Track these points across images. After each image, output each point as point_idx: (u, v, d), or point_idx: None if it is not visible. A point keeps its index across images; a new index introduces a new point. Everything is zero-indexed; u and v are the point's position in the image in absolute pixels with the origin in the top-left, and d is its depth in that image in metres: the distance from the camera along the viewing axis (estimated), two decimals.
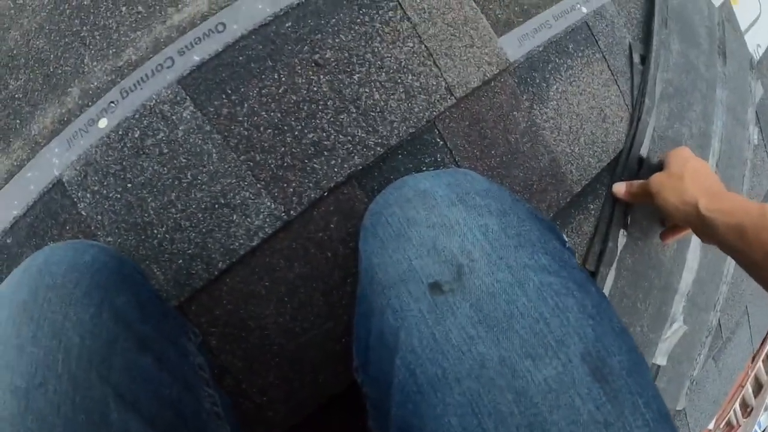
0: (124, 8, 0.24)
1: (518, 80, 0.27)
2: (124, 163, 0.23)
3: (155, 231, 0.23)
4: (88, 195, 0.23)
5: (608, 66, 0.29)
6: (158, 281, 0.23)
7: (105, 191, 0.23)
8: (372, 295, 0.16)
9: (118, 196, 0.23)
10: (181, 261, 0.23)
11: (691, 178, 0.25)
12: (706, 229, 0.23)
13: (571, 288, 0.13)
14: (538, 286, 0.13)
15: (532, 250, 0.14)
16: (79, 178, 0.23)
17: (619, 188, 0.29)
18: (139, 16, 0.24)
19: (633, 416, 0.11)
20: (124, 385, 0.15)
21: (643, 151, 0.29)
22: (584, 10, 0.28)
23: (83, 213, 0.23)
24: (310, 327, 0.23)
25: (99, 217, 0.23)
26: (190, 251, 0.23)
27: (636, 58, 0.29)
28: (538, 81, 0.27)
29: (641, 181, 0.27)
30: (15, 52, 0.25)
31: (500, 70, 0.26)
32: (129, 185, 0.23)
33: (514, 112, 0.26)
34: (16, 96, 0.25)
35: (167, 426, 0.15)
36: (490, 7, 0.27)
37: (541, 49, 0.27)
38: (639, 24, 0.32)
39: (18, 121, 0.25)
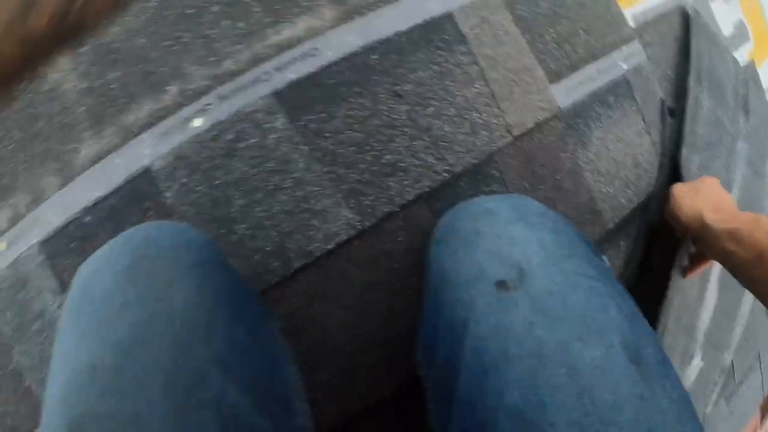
0: (226, 23, 0.27)
1: (565, 125, 0.30)
2: (215, 162, 0.25)
3: (237, 227, 0.25)
4: (176, 186, 0.25)
5: (642, 118, 0.33)
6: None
7: (193, 184, 0.25)
8: (443, 293, 0.18)
9: (205, 190, 0.25)
10: (258, 257, 0.25)
11: (705, 192, 0.28)
12: (706, 236, 0.26)
13: (612, 294, 0.16)
14: (586, 289, 0.16)
15: (580, 261, 0.17)
16: (169, 170, 0.25)
17: None
18: (240, 32, 0.27)
19: (662, 394, 0.14)
20: (223, 354, 0.16)
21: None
22: (624, 66, 0.33)
23: (168, 202, 0.25)
24: (368, 332, 0.25)
25: (184, 207, 0.25)
26: (268, 248, 0.25)
27: (667, 112, 0.33)
28: (582, 127, 0.31)
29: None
30: (116, 45, 0.27)
31: (551, 115, 0.29)
32: (217, 182, 0.25)
33: (561, 153, 0.30)
34: (112, 86, 0.27)
35: (259, 397, 0.16)
36: (545, 59, 0.31)
37: (585, 99, 0.31)
38: (671, 81, 0.37)
39: (113, 108, 0.27)
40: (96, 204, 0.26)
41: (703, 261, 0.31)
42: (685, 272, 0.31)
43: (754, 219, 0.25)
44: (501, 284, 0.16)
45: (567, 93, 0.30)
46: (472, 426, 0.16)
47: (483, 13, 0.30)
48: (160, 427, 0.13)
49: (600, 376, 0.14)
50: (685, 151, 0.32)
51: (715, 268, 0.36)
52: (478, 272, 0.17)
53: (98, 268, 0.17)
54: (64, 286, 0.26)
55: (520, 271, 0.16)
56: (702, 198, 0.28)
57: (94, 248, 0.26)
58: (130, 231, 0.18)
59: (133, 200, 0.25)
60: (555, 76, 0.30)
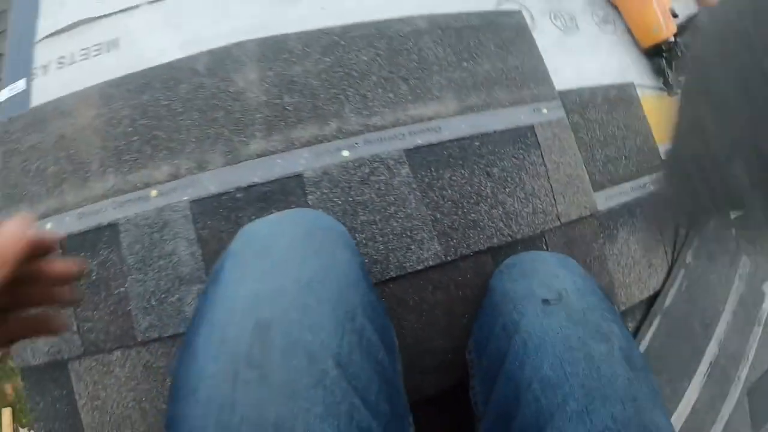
0: (380, 90, 0.38)
1: (600, 223, 0.40)
2: (351, 184, 0.34)
3: (357, 235, 0.33)
4: (318, 193, 0.34)
5: (659, 231, 0.43)
6: None
7: (331, 195, 0.34)
8: (501, 305, 0.27)
9: (340, 203, 0.34)
10: (367, 260, 0.33)
11: None
12: None
13: (615, 319, 0.25)
14: (600, 312, 0.25)
15: (597, 297, 0.26)
16: (316, 180, 0.34)
17: None
18: (389, 99, 0.38)
19: (644, 382, 0.22)
20: (365, 304, 0.21)
21: (669, 298, 0.41)
22: (651, 189, 0.44)
23: (310, 203, 0.34)
24: (429, 339, 0.33)
25: (319, 209, 0.33)
26: (375, 256, 0.33)
27: (680, 232, 0.43)
28: (612, 227, 0.41)
29: None
30: (296, 79, 0.38)
31: (591, 214, 0.39)
32: (350, 199, 0.34)
33: (593, 243, 0.39)
34: (287, 108, 0.37)
35: (383, 342, 0.22)
36: (594, 172, 0.41)
37: (618, 207, 0.41)
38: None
39: (283, 123, 0.36)
40: (250, 187, 0.35)
41: None
42: None
43: None
44: (546, 301, 0.25)
45: (606, 200, 0.41)
46: (510, 393, 0.23)
47: (555, 131, 0.41)
48: (329, 333, 0.18)
49: (605, 362, 0.22)
50: (680, 262, 0.42)
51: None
52: (530, 292, 0.26)
53: (278, 229, 0.22)
54: (200, 240, 0.34)
55: (559, 295, 0.25)
56: None
57: (238, 219, 0.34)
58: (301, 210, 0.25)
59: (282, 193, 0.34)
60: (598, 186, 0.41)
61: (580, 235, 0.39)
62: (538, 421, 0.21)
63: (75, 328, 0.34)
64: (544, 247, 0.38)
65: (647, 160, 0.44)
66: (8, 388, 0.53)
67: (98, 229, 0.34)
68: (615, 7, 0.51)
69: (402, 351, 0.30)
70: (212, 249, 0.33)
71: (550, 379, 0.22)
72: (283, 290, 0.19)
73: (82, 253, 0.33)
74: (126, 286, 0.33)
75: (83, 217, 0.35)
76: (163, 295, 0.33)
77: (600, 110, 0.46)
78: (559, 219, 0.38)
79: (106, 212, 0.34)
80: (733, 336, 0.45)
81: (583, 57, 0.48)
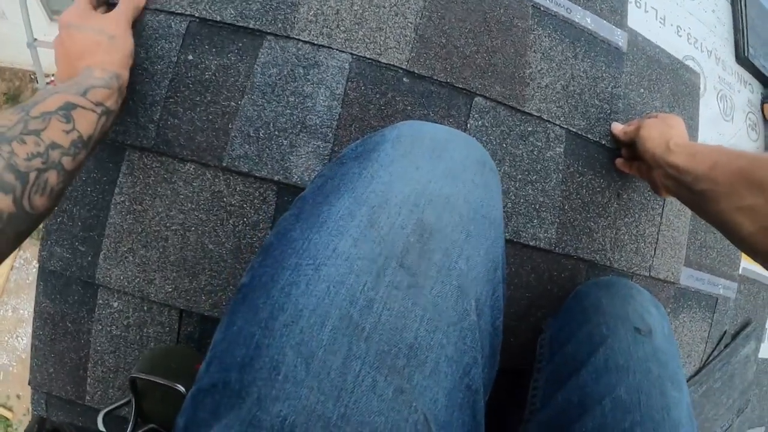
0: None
1: (674, 294, 0.43)
2: (511, 135, 0.34)
3: None
4: (480, 122, 0.34)
5: (709, 331, 0.48)
6: None
7: (489, 131, 0.34)
8: (593, 315, 0.29)
9: (494, 142, 0.34)
10: None
11: (677, 127, 0.33)
12: (667, 157, 0.30)
13: (686, 382, 0.27)
14: (678, 364, 0.27)
15: (678, 351, 0.29)
16: (484, 109, 0.34)
17: (616, 127, 0.38)
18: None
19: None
20: (502, 261, 0.21)
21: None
22: (720, 291, 0.48)
23: (467, 125, 0.34)
24: (504, 314, 0.33)
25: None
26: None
27: (727, 340, 0.48)
28: (679, 305, 0.44)
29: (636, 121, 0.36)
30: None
31: (672, 282, 0.43)
32: (504, 145, 0.34)
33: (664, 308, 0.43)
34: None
35: (501, 316, 0.21)
36: (691, 248, 0.45)
37: (692, 290, 0.45)
38: (742, 320, 0.53)
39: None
40: (419, 77, 0.33)
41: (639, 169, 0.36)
42: (617, 164, 0.37)
43: (714, 145, 0.29)
44: (637, 330, 0.27)
45: (686, 278, 0.44)
46: (577, 401, 0.24)
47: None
48: (479, 273, 0.18)
49: (675, 408, 0.24)
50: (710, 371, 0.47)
51: None
52: (624, 315, 0.28)
53: (453, 139, 0.21)
54: (345, 99, 0.31)
55: (650, 330, 0.27)
56: (672, 130, 0.33)
57: (392, 101, 0.34)
58: (474, 140, 0.23)
59: (446, 102, 0.34)
60: (688, 262, 0.45)
61: (656, 295, 0.41)
62: None
63: (157, 115, 0.30)
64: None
65: (729, 266, 0.48)
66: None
67: (237, 30, 0.31)
68: (766, 120, 0.57)
69: None
70: (351, 114, 0.32)
71: (624, 402, 0.23)
72: (452, 202, 0.17)
73: (206, 46, 0.30)
74: (240, 102, 0.31)
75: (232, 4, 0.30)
76: (276, 132, 0.31)
77: None
78: (649, 271, 0.41)
79: (260, 18, 0.30)
80: None
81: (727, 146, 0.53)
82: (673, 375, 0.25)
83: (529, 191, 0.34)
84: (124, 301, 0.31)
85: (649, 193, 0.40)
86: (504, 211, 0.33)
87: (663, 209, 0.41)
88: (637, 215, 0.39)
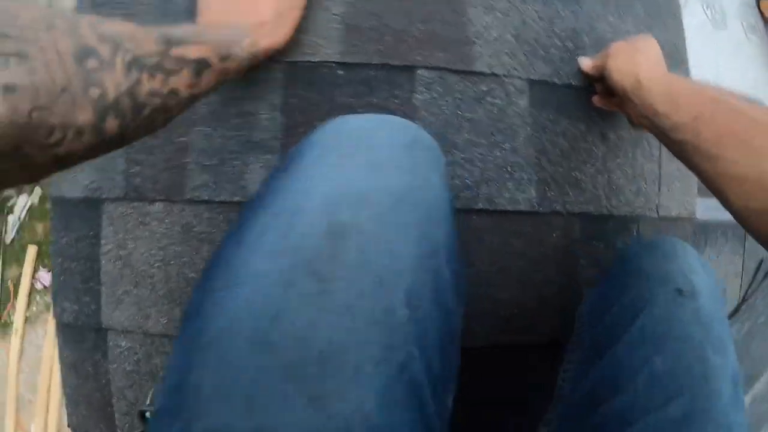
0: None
1: (692, 231, 0.39)
2: (464, 98, 0.33)
3: (456, 152, 0.32)
4: (427, 95, 0.32)
5: (742, 264, 0.43)
6: None
7: (440, 102, 0.32)
8: (636, 281, 0.26)
9: (447, 112, 0.32)
10: (458, 182, 0.32)
11: (644, 51, 0.29)
12: (639, 94, 0.27)
13: (732, 344, 0.24)
14: (724, 326, 0.24)
15: (725, 311, 0.26)
16: (430, 82, 0.33)
17: (584, 62, 0.34)
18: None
19: (741, 416, 0.22)
20: (445, 242, 0.19)
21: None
22: None
23: (416, 103, 0.32)
24: (496, 286, 0.32)
25: (425, 113, 0.32)
26: (467, 180, 0.32)
27: (766, 268, 0.42)
28: (701, 242, 0.40)
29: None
30: None
31: (687, 217, 0.39)
32: (458, 112, 0.33)
33: None
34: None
35: (456, 299, 0.20)
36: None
37: (714, 223, 0.41)
38: None
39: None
40: (354, 65, 0.32)
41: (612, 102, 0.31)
42: (594, 100, 0.33)
43: (696, 83, 0.24)
44: (679, 291, 0.24)
45: (705, 210, 0.40)
46: (611, 375, 0.23)
47: None
48: (407, 264, 0.16)
49: (715, 376, 0.22)
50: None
51: None
52: (666, 275, 0.25)
53: (378, 127, 0.20)
54: (285, 108, 0.31)
55: (693, 290, 0.25)
56: (641, 56, 0.28)
57: (333, 97, 0.33)
58: (405, 120, 0.21)
59: (388, 83, 0.32)
60: (703, 192, 0.40)
61: (672, 234, 0.38)
62: (632, 414, 0.21)
63: (122, 167, 0.32)
64: (635, 233, 0.37)
65: None
66: (39, 227, 0.53)
67: None
68: (766, 21, 0.50)
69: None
70: (295, 121, 0.31)
71: (659, 376, 0.21)
72: (369, 196, 0.17)
73: None
74: (189, 136, 0.32)
75: None
76: (227, 156, 0.32)
77: None
78: (657, 210, 0.37)
79: None
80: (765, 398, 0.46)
81: (723, 58, 0.46)
82: (716, 339, 0.23)
83: (497, 153, 0.32)
84: (130, 338, 0.33)
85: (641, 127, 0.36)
86: (472, 181, 0.32)
87: (659, 146, 0.37)
88: (630, 154, 0.36)
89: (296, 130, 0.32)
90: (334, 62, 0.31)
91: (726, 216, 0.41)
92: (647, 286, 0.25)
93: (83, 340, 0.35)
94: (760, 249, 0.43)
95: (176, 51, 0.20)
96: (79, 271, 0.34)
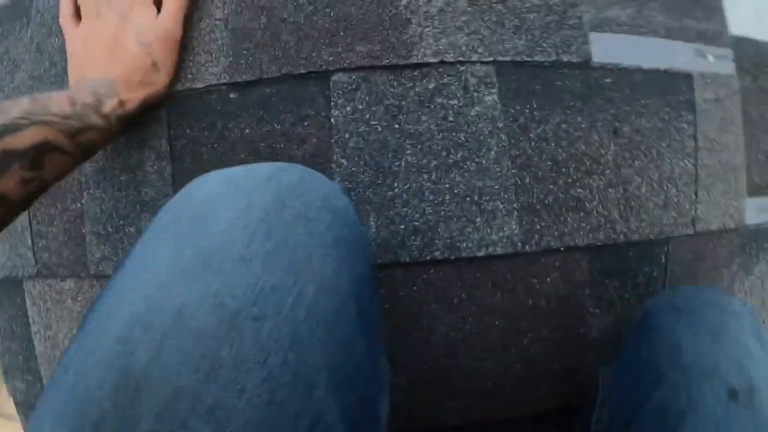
0: None
1: (740, 244, 0.26)
2: (403, 103, 0.19)
3: (396, 184, 0.20)
4: (348, 108, 0.20)
5: None
6: (368, 231, 0.18)
7: (368, 116, 0.20)
8: (669, 369, 0.16)
9: (379, 128, 0.20)
10: (402, 226, 0.20)
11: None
12: None
13: None
14: None
15: None
16: (349, 87, 0.19)
17: None
18: None
19: None
20: (337, 366, 0.10)
21: None
22: None
23: (332, 122, 0.19)
24: (469, 356, 0.20)
25: (346, 135, 0.20)
26: (417, 223, 0.20)
27: None
28: (752, 253, 0.26)
29: None
30: None
31: (734, 227, 0.24)
32: (396, 126, 0.20)
33: (724, 269, 0.25)
34: None
35: (353, 424, 0.11)
36: (753, 168, 0.26)
37: (767, 227, 0.24)
38: None
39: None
40: (248, 84, 0.19)
41: None
42: None
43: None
44: (733, 393, 0.14)
45: (758, 212, 0.25)
46: None
47: (720, 93, 0.25)
48: (246, 424, 0.08)
49: None
50: None
51: None
52: (714, 368, 0.15)
53: (227, 191, 0.11)
54: (172, 154, 0.19)
55: (750, 386, 0.14)
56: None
57: (226, 130, 0.20)
58: (279, 167, 0.12)
59: (294, 100, 0.19)
60: (754, 190, 0.25)
61: (713, 255, 0.23)
62: None
63: (29, 242, 0.23)
64: (663, 259, 0.22)
65: None
66: None
67: None
68: None
69: (425, 364, 0.18)
70: (184, 168, 0.19)
71: None
72: (186, 316, 0.09)
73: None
74: (82, 201, 0.21)
75: None
76: (121, 222, 0.22)
77: None
78: (693, 225, 0.22)
79: None
80: None
81: None
82: None
83: (458, 178, 0.19)
84: None
85: (669, 109, 0.21)
86: (422, 222, 0.19)
87: (696, 126, 0.23)
88: (654, 151, 0.21)
89: (186, 181, 0.19)
90: (223, 84, 0.19)
91: None
92: (690, 381, 0.15)
93: None
94: None
95: (0, 145, 0.13)
96: (19, 351, 0.27)
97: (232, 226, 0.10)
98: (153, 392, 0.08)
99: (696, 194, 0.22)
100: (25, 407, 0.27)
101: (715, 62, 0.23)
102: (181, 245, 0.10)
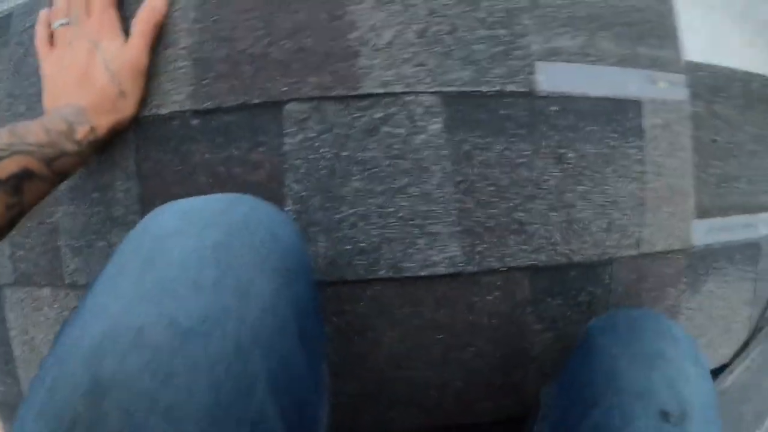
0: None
1: (687, 264, 0.27)
2: (351, 132, 0.21)
3: (344, 208, 0.21)
4: (300, 136, 0.21)
5: (754, 289, 0.28)
6: (317, 251, 0.21)
7: (318, 144, 0.21)
8: (605, 390, 0.17)
9: (328, 155, 0.21)
10: (349, 247, 0.21)
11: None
12: None
13: None
14: None
15: (719, 424, 0.17)
16: (301, 117, 0.21)
17: None
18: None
19: None
20: (276, 374, 0.12)
21: (732, 376, 0.28)
22: (763, 232, 0.28)
23: (285, 149, 0.21)
24: (412, 368, 0.22)
25: (297, 161, 0.21)
26: (363, 244, 0.21)
27: None
28: (700, 273, 0.27)
29: None
30: None
31: (681, 248, 0.25)
32: (344, 153, 0.21)
33: (670, 288, 0.26)
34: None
35: (292, 424, 0.13)
36: (702, 190, 0.26)
37: (718, 247, 0.27)
38: None
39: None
40: (208, 112, 0.21)
41: None
42: None
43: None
44: (665, 415, 0.15)
45: (706, 233, 0.26)
46: None
47: (670, 118, 0.25)
48: (197, 423, 0.10)
49: None
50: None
51: None
52: (648, 391, 0.16)
53: (182, 224, 0.13)
54: (139, 174, 0.21)
55: (683, 412, 0.16)
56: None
57: (188, 154, 0.22)
58: (233, 199, 0.14)
59: (249, 129, 0.21)
60: (702, 212, 0.26)
61: (658, 275, 0.25)
62: None
63: (8, 251, 0.25)
64: (606, 279, 0.24)
65: None
66: None
67: None
68: None
69: (371, 372, 0.20)
70: (152, 189, 0.21)
71: None
72: (146, 334, 0.11)
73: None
74: (57, 216, 0.23)
75: None
76: (92, 237, 0.24)
77: (734, 105, 0.28)
78: (638, 246, 0.24)
79: None
80: None
81: (725, 21, 0.28)
82: None
83: (402, 203, 0.21)
84: None
85: (616, 135, 0.22)
86: (368, 243, 0.20)
87: (644, 149, 0.23)
88: (598, 176, 0.23)
89: (153, 201, 0.23)
90: (185, 111, 0.21)
91: (734, 237, 0.26)
92: (623, 402, 0.16)
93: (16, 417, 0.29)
94: None
95: None
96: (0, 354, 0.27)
97: (187, 257, 0.12)
98: (118, 395, 0.10)
99: (642, 216, 0.23)
100: (4, 408, 0.29)
101: (668, 88, 0.24)
102: (143, 273, 0.11)
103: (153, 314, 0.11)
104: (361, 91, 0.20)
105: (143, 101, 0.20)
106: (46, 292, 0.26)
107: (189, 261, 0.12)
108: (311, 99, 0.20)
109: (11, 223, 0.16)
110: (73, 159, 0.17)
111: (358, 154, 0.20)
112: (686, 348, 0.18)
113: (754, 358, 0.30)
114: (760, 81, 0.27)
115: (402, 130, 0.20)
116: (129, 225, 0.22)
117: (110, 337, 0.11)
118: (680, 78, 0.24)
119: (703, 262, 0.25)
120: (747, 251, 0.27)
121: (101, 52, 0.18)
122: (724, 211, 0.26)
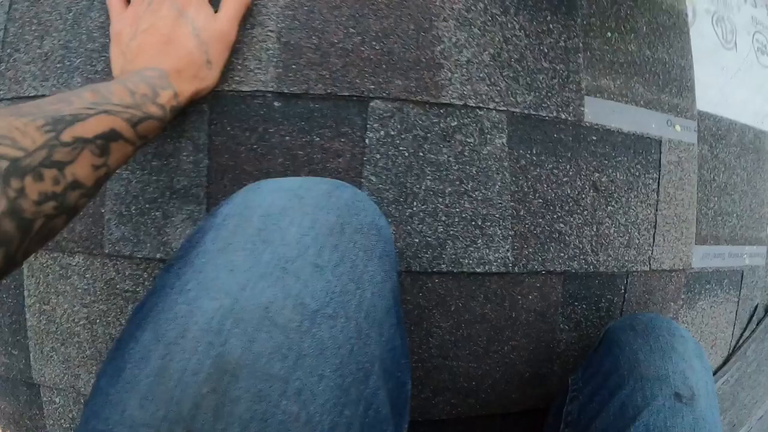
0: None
1: (686, 283, 0.32)
2: (428, 135, 0.23)
3: (415, 203, 0.24)
4: (381, 132, 0.24)
5: (736, 312, 0.35)
6: None
7: (398, 141, 0.24)
8: (627, 372, 0.21)
9: (405, 153, 0.24)
10: (417, 240, 0.24)
11: None
12: None
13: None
14: (717, 421, 0.21)
15: (718, 407, 0.22)
16: (385, 114, 0.23)
17: None
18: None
19: None
20: (386, 357, 0.13)
21: (717, 386, 0.32)
22: (747, 262, 0.35)
23: (366, 141, 0.23)
24: (457, 358, 0.25)
25: (377, 155, 0.24)
26: (429, 238, 0.24)
27: (759, 315, 0.35)
28: (695, 291, 0.33)
29: None
30: None
31: (682, 268, 0.30)
32: (420, 153, 0.24)
33: (671, 302, 0.31)
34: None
35: (394, 406, 0.14)
36: (701, 221, 0.31)
37: (710, 271, 0.33)
38: None
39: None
40: (293, 96, 0.23)
41: None
42: None
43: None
44: (678, 396, 0.19)
45: (701, 258, 0.33)
46: None
47: (682, 156, 0.30)
48: (323, 405, 0.10)
49: None
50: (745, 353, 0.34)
51: None
52: (664, 377, 0.20)
53: (294, 206, 0.13)
54: (211, 148, 0.22)
55: (692, 394, 0.20)
56: None
57: (266, 135, 0.24)
58: (336, 184, 0.14)
59: (334, 118, 0.23)
60: (700, 239, 0.32)
61: (663, 290, 0.30)
62: None
63: None
64: (622, 289, 0.29)
65: (755, 228, 0.34)
66: None
67: None
68: None
69: (421, 361, 0.23)
70: (221, 164, 0.23)
71: None
72: (272, 313, 0.11)
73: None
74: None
75: None
76: (146, 205, 0.24)
77: (731, 150, 0.35)
78: (649, 263, 0.29)
79: None
80: None
81: (732, 81, 0.35)
82: None
83: (466, 205, 0.25)
84: (64, 396, 0.27)
85: (639, 166, 0.28)
86: (434, 238, 0.24)
87: (659, 182, 0.28)
88: (624, 199, 0.28)
89: (223, 177, 0.24)
90: (269, 92, 0.22)
91: (724, 263, 0.31)
92: (642, 388, 0.20)
93: (18, 393, 0.29)
94: (755, 295, 0.33)
95: (69, 133, 0.14)
96: (7, 324, 0.27)
97: (304, 237, 0.12)
98: (249, 378, 0.10)
99: (653, 238, 0.29)
100: (4, 383, 0.26)
101: (681, 131, 0.30)
102: (257, 251, 0.11)
103: (278, 293, 0.11)
104: (441, 100, 0.23)
105: (223, 75, 0.21)
106: (78, 259, 0.25)
107: (307, 242, 0.12)
108: (396, 99, 0.23)
109: (97, 184, 0.15)
110: (156, 123, 0.17)
111: (433, 156, 0.23)
112: (692, 346, 0.22)
113: (732, 373, 0.36)
114: (753, 133, 0.35)
115: (472, 140, 0.24)
116: (191, 198, 0.22)
117: (233, 315, 0.10)
118: (693, 124, 0.30)
119: (698, 282, 0.31)
120: (733, 277, 0.34)
121: (189, 20, 0.19)
122: (717, 240, 0.33)
